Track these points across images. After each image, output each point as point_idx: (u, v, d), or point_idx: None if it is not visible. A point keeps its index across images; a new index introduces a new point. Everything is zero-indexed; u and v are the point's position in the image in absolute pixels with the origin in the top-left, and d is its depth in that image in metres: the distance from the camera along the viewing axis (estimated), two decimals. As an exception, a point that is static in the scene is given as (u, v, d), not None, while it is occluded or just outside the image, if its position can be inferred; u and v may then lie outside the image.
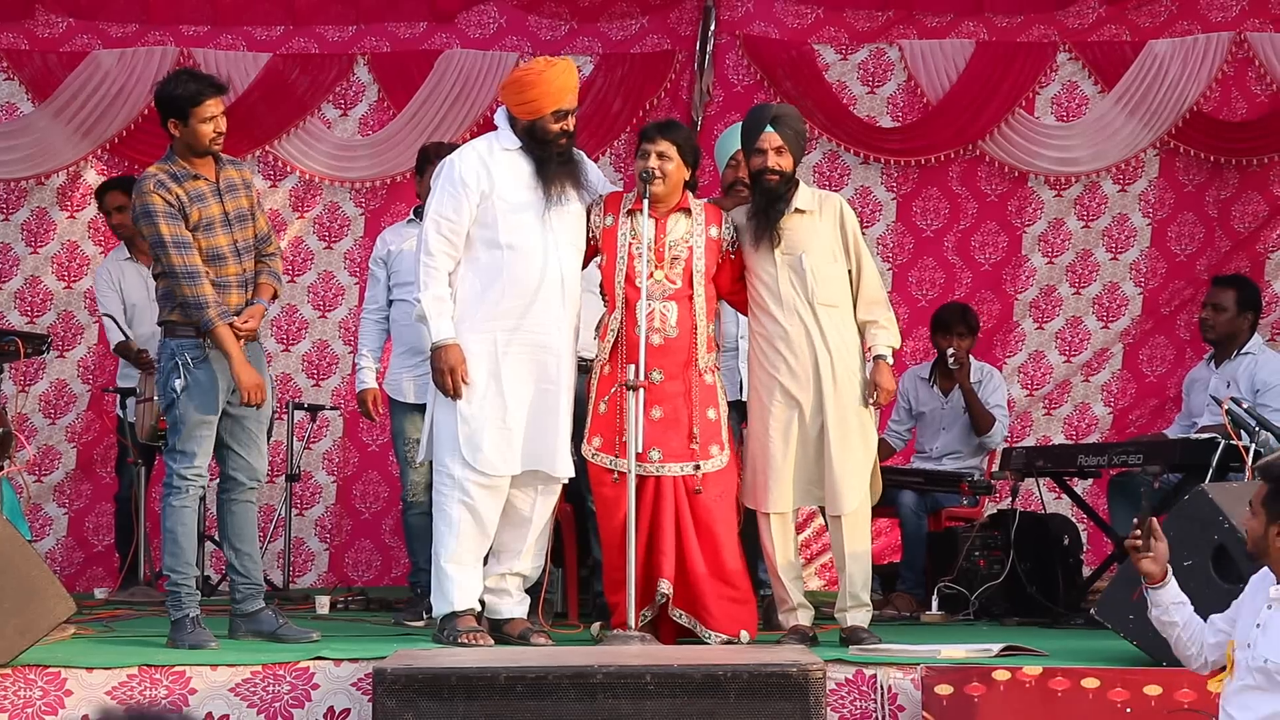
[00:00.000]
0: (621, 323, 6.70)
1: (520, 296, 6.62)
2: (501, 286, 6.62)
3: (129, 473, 8.92)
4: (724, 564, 6.66)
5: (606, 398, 6.69)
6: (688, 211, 6.79)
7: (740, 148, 7.39)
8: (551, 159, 6.65)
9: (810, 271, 6.71)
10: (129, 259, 8.97)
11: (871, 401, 6.76)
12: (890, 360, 6.81)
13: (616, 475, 6.62)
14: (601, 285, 6.84)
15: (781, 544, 6.78)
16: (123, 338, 8.64)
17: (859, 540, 6.75)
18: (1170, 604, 5.14)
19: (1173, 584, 5.17)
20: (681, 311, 6.70)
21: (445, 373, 6.58)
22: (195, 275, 6.47)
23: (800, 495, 6.76)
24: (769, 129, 6.76)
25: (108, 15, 9.64)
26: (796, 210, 6.77)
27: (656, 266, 6.65)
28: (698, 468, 6.66)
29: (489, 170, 6.66)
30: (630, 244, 6.71)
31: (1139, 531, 5.12)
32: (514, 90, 6.74)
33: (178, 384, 6.53)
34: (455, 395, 6.58)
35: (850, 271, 6.81)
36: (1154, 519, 5.18)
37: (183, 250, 6.48)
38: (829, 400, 6.69)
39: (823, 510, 6.90)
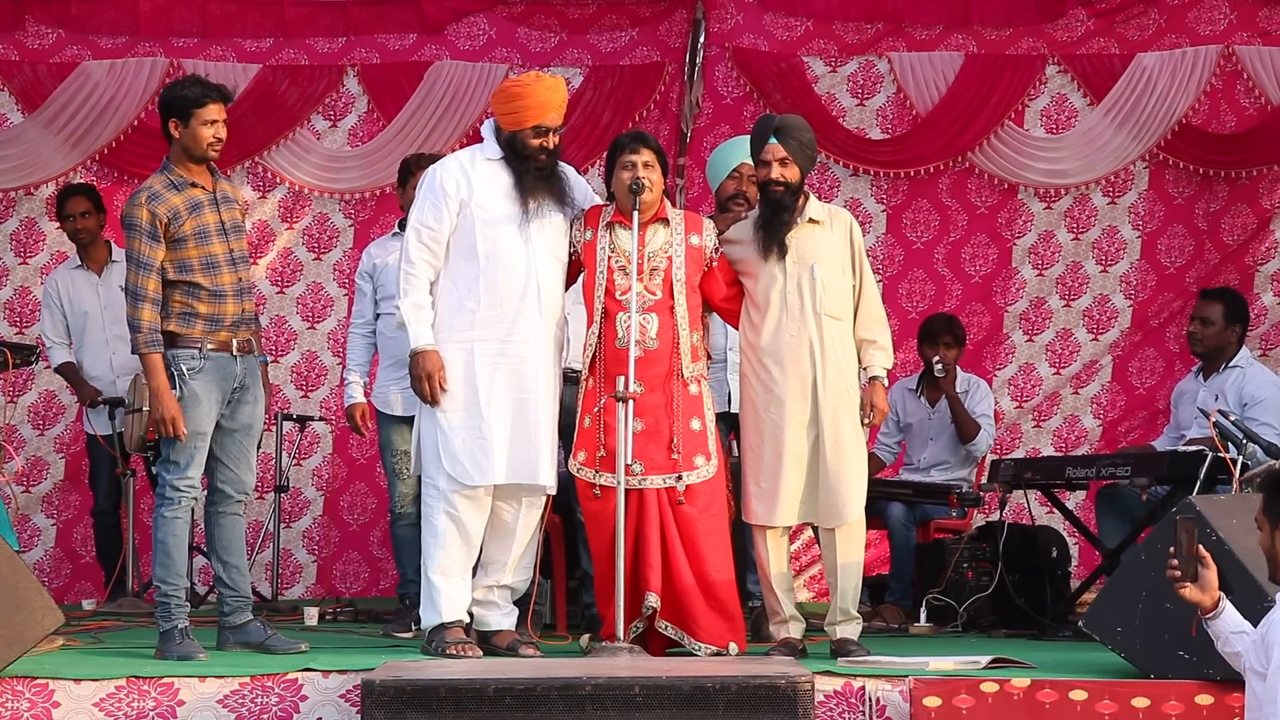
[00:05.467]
0: (599, 337, 6.70)
1: (497, 307, 6.62)
2: (478, 296, 6.62)
3: (103, 487, 8.93)
4: (710, 576, 6.64)
5: (591, 412, 6.68)
6: (665, 221, 6.79)
7: (736, 164, 7.43)
8: (529, 172, 6.67)
9: (821, 281, 6.70)
10: (79, 267, 8.99)
11: (866, 421, 6.76)
12: (886, 381, 6.82)
13: (598, 489, 6.62)
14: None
15: (775, 556, 6.78)
16: (65, 359, 8.91)
17: (852, 553, 6.75)
18: (1230, 634, 4.76)
19: (1229, 611, 4.74)
20: (662, 322, 6.69)
21: (423, 379, 6.59)
22: (140, 297, 6.51)
23: (798, 511, 6.75)
24: (773, 140, 6.75)
25: (98, 27, 9.65)
26: (810, 220, 6.78)
27: (636, 278, 6.65)
28: (679, 479, 6.66)
29: (469, 179, 6.68)
30: (609, 257, 6.71)
31: (1176, 562, 4.74)
32: (501, 99, 6.79)
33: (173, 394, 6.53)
34: (434, 401, 6.59)
35: (854, 287, 6.82)
36: (1200, 545, 4.78)
37: (142, 271, 6.52)
38: (825, 413, 6.68)
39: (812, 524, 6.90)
